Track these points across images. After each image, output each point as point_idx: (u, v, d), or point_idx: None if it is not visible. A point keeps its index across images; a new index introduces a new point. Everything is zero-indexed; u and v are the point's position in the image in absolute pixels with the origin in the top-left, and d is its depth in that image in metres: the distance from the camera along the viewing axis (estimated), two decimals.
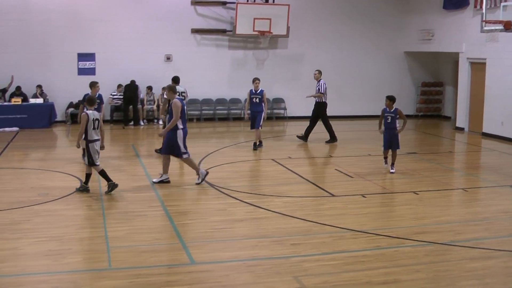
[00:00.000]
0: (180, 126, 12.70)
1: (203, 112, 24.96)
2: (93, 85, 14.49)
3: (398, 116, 14.03)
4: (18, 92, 22.80)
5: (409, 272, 7.95)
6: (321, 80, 19.02)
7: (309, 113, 19.29)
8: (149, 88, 23.79)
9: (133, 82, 23.27)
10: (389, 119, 14.08)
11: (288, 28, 24.38)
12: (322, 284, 7.47)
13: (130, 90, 23.11)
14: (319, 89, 18.88)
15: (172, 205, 11.18)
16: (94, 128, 11.87)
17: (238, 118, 24.86)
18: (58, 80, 23.33)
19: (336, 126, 19.29)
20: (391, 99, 14.14)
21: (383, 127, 14.32)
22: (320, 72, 19.21)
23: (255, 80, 17.72)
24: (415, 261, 8.40)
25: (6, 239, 9.18)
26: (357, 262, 8.28)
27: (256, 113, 17.48)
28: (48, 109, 22.77)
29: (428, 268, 8.12)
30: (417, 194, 12.27)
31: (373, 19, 26.14)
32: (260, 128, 17.56)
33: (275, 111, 25.54)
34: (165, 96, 18.05)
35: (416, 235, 9.51)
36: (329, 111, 19.15)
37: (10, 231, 9.59)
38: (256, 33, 24.02)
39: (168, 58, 24.38)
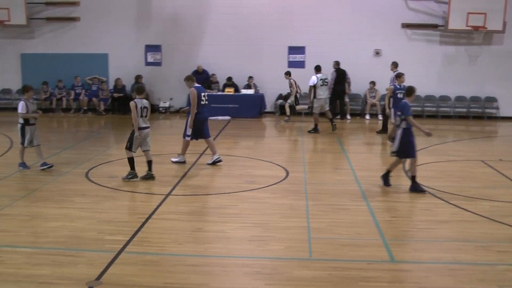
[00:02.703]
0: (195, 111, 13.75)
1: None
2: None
3: None
4: (229, 82, 23.89)
5: None
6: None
7: None
8: (372, 83, 23.73)
9: (340, 71, 23.25)
10: None
11: (504, 23, 23.07)
12: None
13: (337, 82, 23.12)
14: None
15: (376, 200, 11.09)
16: (141, 116, 12.33)
17: (447, 116, 24.09)
18: (268, 72, 24.07)
19: None
20: None
21: None
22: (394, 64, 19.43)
23: (401, 75, 17.10)
24: None
25: (214, 222, 9.67)
26: None
27: None
28: (258, 99, 23.58)
29: None
30: None
31: None
32: None
33: (487, 110, 24.35)
34: (310, 84, 19.41)
35: None
36: None
37: (218, 214, 10.09)
38: (469, 28, 23.07)
39: (377, 53, 24.21)
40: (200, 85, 14.28)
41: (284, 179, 12.76)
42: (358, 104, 24.30)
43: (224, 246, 8.55)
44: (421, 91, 23.92)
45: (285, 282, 7.27)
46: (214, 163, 14.02)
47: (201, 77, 24.07)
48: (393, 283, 7.30)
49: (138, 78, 23.94)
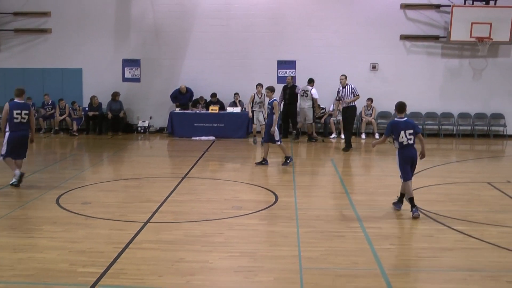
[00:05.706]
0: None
1: None
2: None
3: None
4: (214, 99, 23.84)
5: None
6: (350, 84, 20.15)
7: None
8: (370, 100, 23.87)
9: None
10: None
11: (511, 33, 23.30)
12: None
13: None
14: (354, 92, 20.03)
15: (373, 226, 11.02)
16: None
17: (450, 135, 24.19)
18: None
19: None
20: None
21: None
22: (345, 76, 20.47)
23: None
24: None
25: (198, 252, 9.57)
26: None
27: None
28: (245, 118, 23.50)
29: None
30: None
31: None
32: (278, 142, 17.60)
33: (493, 128, 24.45)
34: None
35: None
36: None
37: (201, 243, 10.00)
38: (473, 39, 23.26)
39: (374, 67, 24.31)
40: (17, 101, 14.24)
41: (273, 204, 12.71)
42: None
43: (207, 278, 8.46)
44: (422, 107, 24.12)
45: None
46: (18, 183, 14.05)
47: (185, 97, 24.10)
48: None
49: (115, 95, 23.96)
